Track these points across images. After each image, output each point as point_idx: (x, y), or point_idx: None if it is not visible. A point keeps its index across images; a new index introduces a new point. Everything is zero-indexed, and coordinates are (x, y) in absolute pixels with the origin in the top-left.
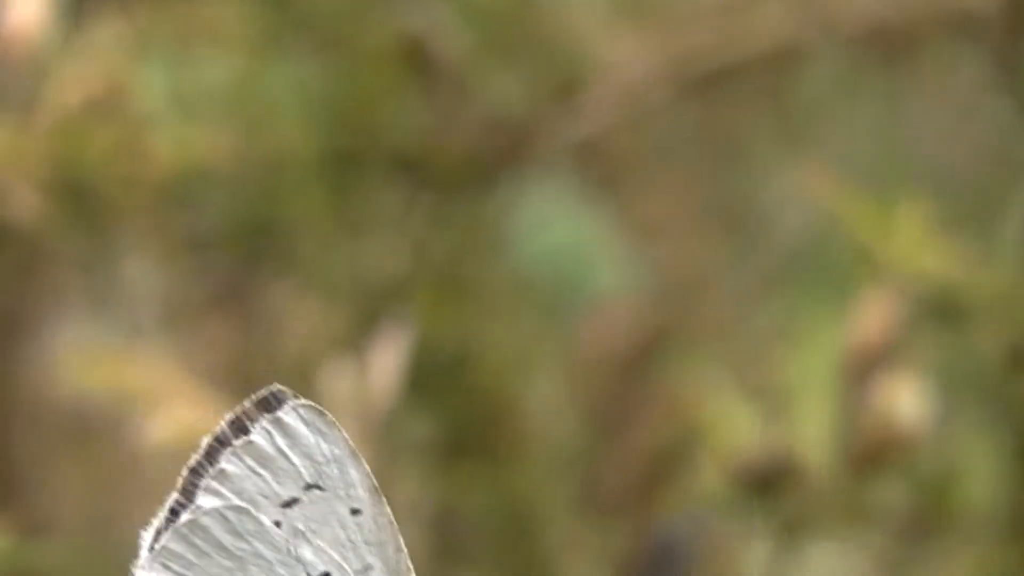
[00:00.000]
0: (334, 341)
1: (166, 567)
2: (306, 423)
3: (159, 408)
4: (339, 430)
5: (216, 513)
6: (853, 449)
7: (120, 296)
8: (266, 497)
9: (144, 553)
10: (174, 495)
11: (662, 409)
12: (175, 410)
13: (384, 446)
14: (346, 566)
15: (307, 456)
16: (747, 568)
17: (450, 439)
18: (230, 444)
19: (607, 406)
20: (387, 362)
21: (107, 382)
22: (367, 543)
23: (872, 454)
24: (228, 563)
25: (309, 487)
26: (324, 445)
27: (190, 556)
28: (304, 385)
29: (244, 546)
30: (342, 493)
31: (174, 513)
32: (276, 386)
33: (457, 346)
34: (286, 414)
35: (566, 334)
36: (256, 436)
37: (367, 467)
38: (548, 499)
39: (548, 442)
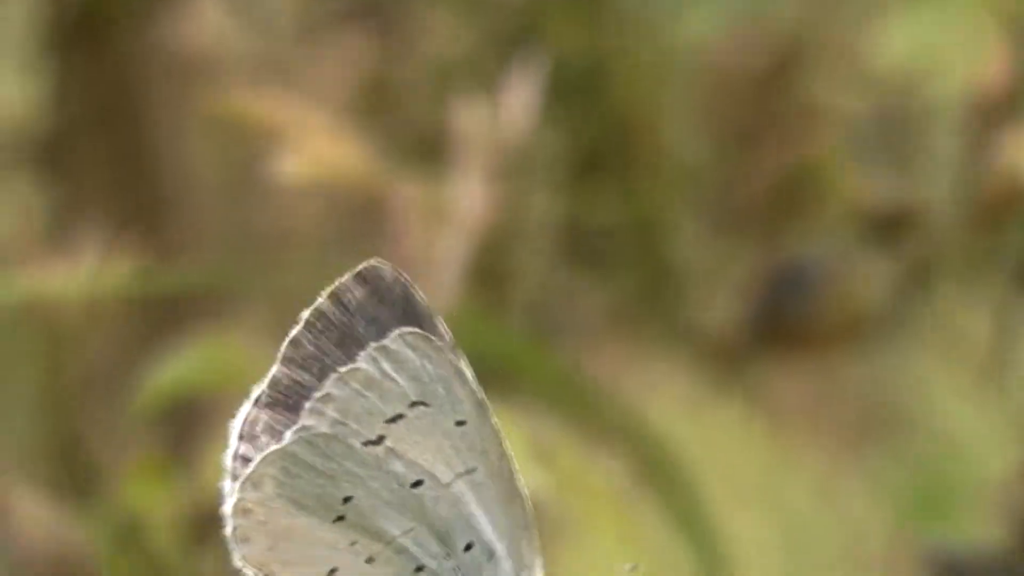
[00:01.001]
0: (469, 62)
1: (257, 486)
2: (412, 348)
3: (297, 143)
4: (444, 352)
5: (302, 441)
6: (977, 199)
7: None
8: (371, 414)
9: (233, 443)
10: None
11: (796, 129)
12: (313, 145)
13: (517, 176)
14: (447, 471)
15: (413, 378)
16: (869, 305)
17: (583, 155)
18: (329, 319)
19: (740, 123)
20: (521, 93)
21: (245, 115)
22: (471, 449)
23: (995, 206)
24: (320, 480)
25: (414, 404)
26: (430, 367)
27: (281, 477)
28: (437, 108)
29: (333, 466)
30: (447, 408)
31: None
32: (375, 260)
33: (591, 62)
34: (392, 342)
35: (701, 49)
36: (362, 363)
37: (473, 384)
38: (677, 214)
39: (680, 158)
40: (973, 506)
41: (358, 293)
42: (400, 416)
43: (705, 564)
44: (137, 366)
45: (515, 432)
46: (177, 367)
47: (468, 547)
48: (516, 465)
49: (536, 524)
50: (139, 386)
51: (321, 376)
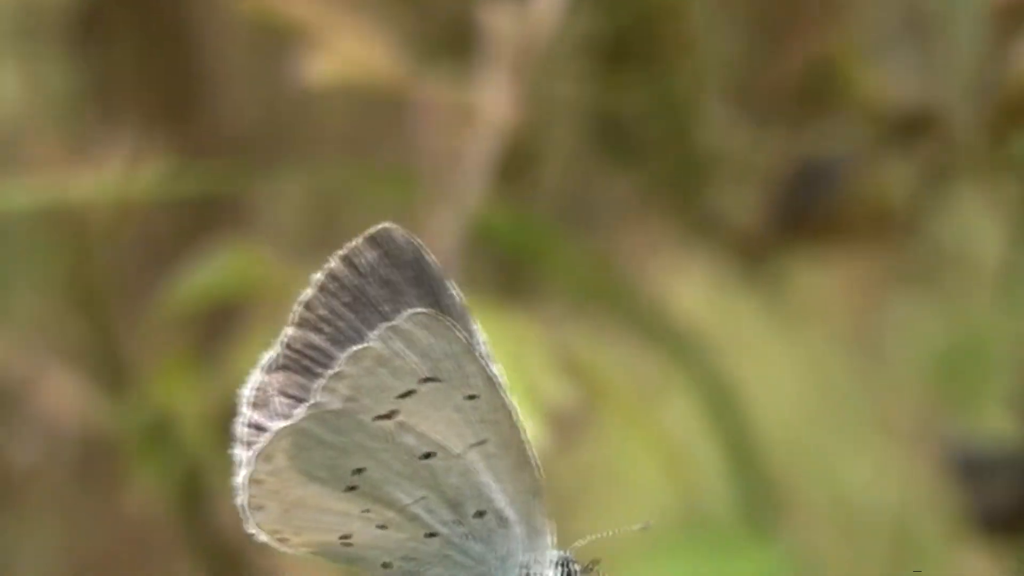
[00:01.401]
0: None
1: (269, 460)
2: (423, 327)
3: (326, 42)
4: (455, 331)
5: (313, 417)
6: (996, 104)
7: None
8: (383, 390)
9: (244, 411)
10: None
11: (821, 21)
12: (342, 44)
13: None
14: (459, 442)
15: (424, 355)
16: (891, 202)
17: (610, 43)
18: (341, 282)
19: (766, 12)
20: None
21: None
22: (481, 422)
23: (1012, 110)
24: (331, 453)
25: (425, 380)
26: (441, 344)
27: (292, 451)
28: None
29: (344, 439)
30: (458, 383)
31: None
32: (386, 224)
33: None
34: (404, 322)
35: None
36: (374, 343)
37: (482, 360)
38: (704, 102)
39: (707, 45)
40: (993, 397)
41: (370, 256)
42: (411, 392)
43: (733, 453)
44: (167, 267)
45: (539, 346)
46: (203, 276)
47: (479, 514)
48: (527, 435)
49: (545, 490)
50: (167, 292)
51: (333, 339)
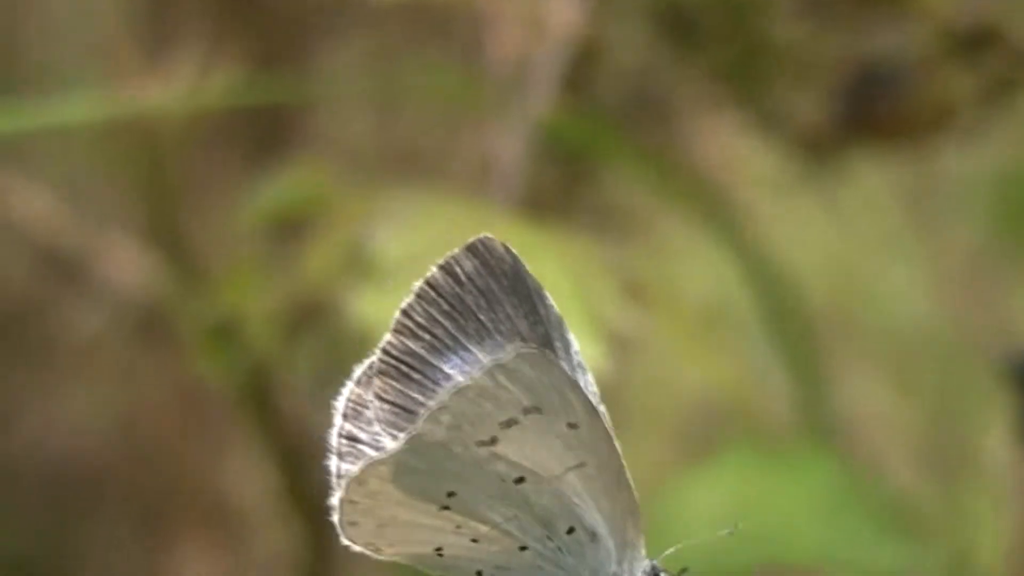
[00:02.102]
0: None
1: (362, 484)
2: (528, 363)
3: None
4: (559, 367)
5: (410, 448)
6: None
7: None
8: (485, 420)
9: (337, 421)
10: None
11: None
12: None
13: None
14: (558, 466)
15: (528, 389)
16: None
17: None
18: (440, 290)
19: None
20: None
21: None
22: (581, 447)
23: None
24: (424, 477)
25: (528, 411)
26: (545, 379)
27: (386, 477)
28: None
29: (438, 466)
30: (560, 413)
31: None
32: (485, 234)
33: None
34: (510, 360)
35: None
36: (479, 378)
37: (586, 393)
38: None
39: None
40: None
41: (468, 266)
42: (514, 421)
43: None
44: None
45: (602, 271)
46: (269, 196)
47: (570, 530)
48: (624, 461)
49: (639, 507)
50: (235, 206)
51: (431, 347)
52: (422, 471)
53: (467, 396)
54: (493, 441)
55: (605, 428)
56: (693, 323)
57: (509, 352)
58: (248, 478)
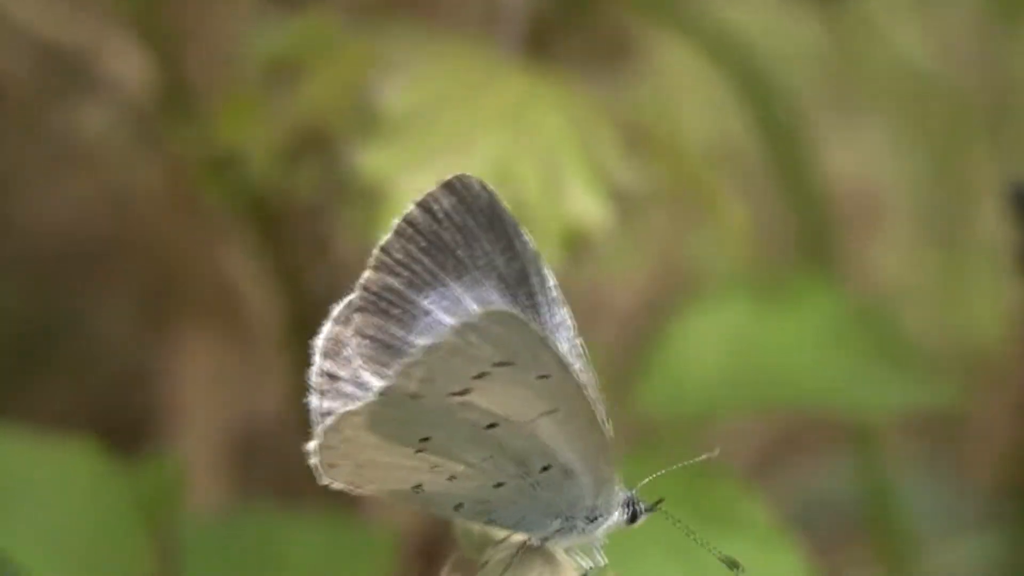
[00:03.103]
0: None
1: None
2: (499, 323)
3: None
4: (528, 326)
5: (384, 400)
6: None
7: None
8: (457, 374)
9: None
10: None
11: None
12: None
13: None
14: (529, 412)
15: (498, 345)
16: None
17: None
18: (417, 227)
19: None
20: None
21: None
22: (552, 396)
23: None
24: (399, 425)
25: (499, 364)
26: (515, 336)
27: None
28: None
29: (411, 415)
30: (531, 365)
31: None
32: (462, 173)
33: None
34: (480, 320)
35: None
36: (450, 338)
37: (555, 351)
38: None
39: None
40: None
41: (446, 202)
42: (485, 373)
43: (796, 184)
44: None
45: (606, 122)
46: (276, 39)
47: (544, 468)
48: (595, 402)
49: (613, 445)
50: (236, 50)
51: (410, 283)
52: (396, 420)
53: (439, 354)
54: (465, 392)
55: (575, 378)
56: (697, 169)
57: (479, 315)
58: (247, 270)
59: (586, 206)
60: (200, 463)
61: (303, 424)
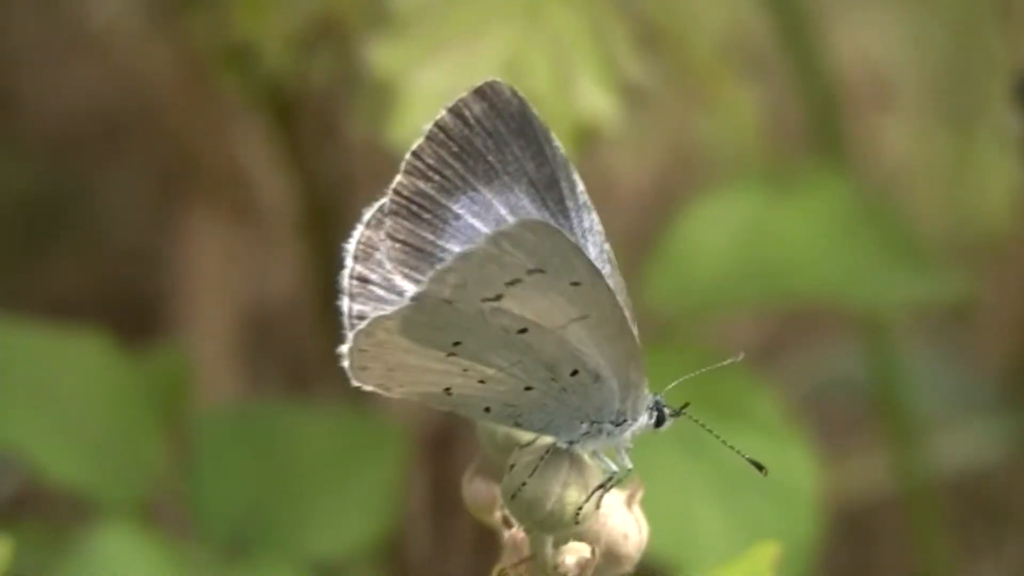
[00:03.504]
0: None
1: (370, 336)
2: (531, 231)
3: None
4: (561, 234)
5: (412, 307)
6: None
7: None
8: (490, 281)
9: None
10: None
11: None
12: None
13: None
14: (560, 317)
15: (531, 253)
16: None
17: None
18: (448, 132)
19: None
20: None
21: None
22: (583, 301)
23: None
24: (430, 329)
25: (532, 271)
26: (548, 244)
27: (394, 330)
28: None
29: (442, 322)
30: (563, 273)
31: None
32: (492, 78)
33: None
34: (513, 228)
35: None
36: (484, 245)
37: (588, 258)
38: None
39: None
40: None
41: (476, 108)
42: (518, 280)
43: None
44: None
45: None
46: None
47: (573, 373)
48: (627, 310)
49: (642, 353)
50: None
51: (441, 187)
52: (428, 324)
53: (472, 261)
54: (498, 298)
55: (607, 285)
56: (708, 62)
57: (512, 223)
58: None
59: (597, 101)
60: (210, 345)
61: (314, 307)
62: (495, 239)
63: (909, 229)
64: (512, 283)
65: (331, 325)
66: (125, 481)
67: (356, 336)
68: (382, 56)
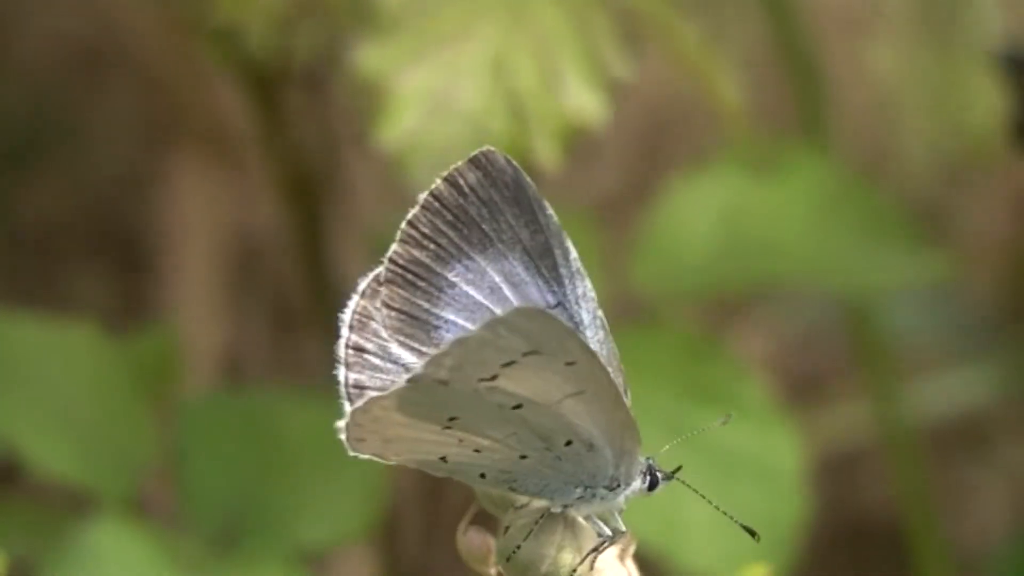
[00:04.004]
0: None
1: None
2: (528, 319)
3: None
4: (557, 320)
5: (412, 387)
6: None
7: None
8: (486, 363)
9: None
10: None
11: None
12: None
13: None
14: (556, 394)
15: (527, 337)
16: None
17: None
18: (444, 201)
19: None
20: None
21: None
22: (579, 378)
23: None
24: (426, 407)
25: (527, 354)
26: (544, 330)
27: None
28: None
29: (438, 400)
30: (559, 355)
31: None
32: (487, 148)
33: None
34: (509, 316)
35: None
36: (481, 332)
37: (582, 340)
38: None
39: None
40: None
41: (471, 177)
42: (514, 362)
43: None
44: None
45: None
46: None
47: (568, 443)
48: (620, 387)
49: (635, 422)
50: None
51: (436, 256)
52: (423, 403)
53: (469, 346)
54: (493, 378)
55: (601, 364)
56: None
57: (509, 313)
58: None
59: (584, 100)
60: (195, 274)
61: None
62: (492, 326)
63: (892, 208)
64: (508, 364)
65: (314, 261)
66: (115, 471)
67: (353, 414)
68: (369, 57)
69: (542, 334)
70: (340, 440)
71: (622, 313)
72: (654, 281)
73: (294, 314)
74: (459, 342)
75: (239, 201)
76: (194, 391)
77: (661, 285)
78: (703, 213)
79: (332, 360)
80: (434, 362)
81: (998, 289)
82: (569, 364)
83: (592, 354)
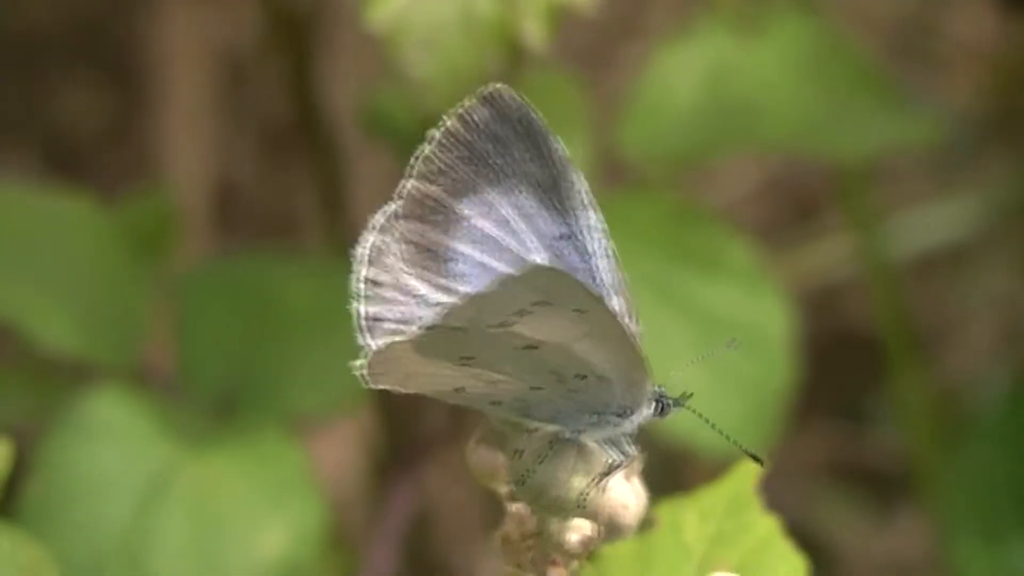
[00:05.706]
0: None
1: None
2: (539, 274)
3: None
4: (567, 277)
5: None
6: None
7: None
8: (500, 311)
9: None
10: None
11: None
12: None
13: None
14: (565, 336)
15: (539, 290)
16: None
17: None
18: (456, 138)
19: None
20: None
21: None
22: (588, 322)
23: None
24: (443, 348)
25: (539, 303)
26: (554, 284)
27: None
28: None
29: (454, 343)
30: (568, 302)
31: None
32: (497, 84)
33: None
34: (522, 274)
35: None
36: (495, 289)
37: (590, 290)
38: None
39: None
40: None
41: (482, 114)
42: (527, 311)
43: None
44: None
45: None
46: None
47: (580, 376)
48: (629, 329)
49: (645, 357)
50: None
51: (449, 190)
52: (440, 346)
53: (483, 300)
54: (507, 324)
55: (609, 311)
56: None
57: (523, 270)
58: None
59: None
60: (184, 92)
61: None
62: (505, 282)
63: (878, 68)
64: (520, 313)
65: (302, 83)
66: (114, 341)
67: (371, 356)
68: (374, 9)
69: (551, 288)
70: (336, 308)
71: (609, 178)
72: (643, 146)
73: (282, 135)
74: (473, 297)
75: (228, 22)
76: (191, 250)
77: (650, 150)
78: (688, 75)
79: (321, 211)
80: (451, 314)
81: (982, 100)
82: (577, 311)
83: (599, 300)
